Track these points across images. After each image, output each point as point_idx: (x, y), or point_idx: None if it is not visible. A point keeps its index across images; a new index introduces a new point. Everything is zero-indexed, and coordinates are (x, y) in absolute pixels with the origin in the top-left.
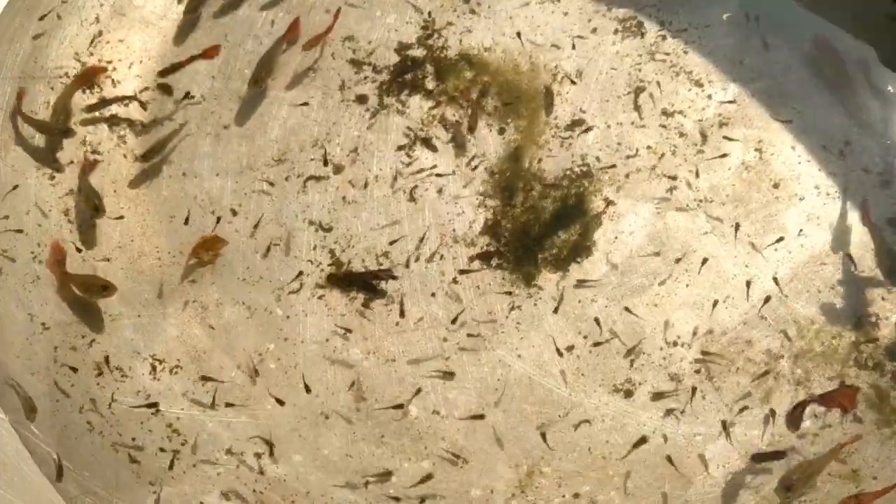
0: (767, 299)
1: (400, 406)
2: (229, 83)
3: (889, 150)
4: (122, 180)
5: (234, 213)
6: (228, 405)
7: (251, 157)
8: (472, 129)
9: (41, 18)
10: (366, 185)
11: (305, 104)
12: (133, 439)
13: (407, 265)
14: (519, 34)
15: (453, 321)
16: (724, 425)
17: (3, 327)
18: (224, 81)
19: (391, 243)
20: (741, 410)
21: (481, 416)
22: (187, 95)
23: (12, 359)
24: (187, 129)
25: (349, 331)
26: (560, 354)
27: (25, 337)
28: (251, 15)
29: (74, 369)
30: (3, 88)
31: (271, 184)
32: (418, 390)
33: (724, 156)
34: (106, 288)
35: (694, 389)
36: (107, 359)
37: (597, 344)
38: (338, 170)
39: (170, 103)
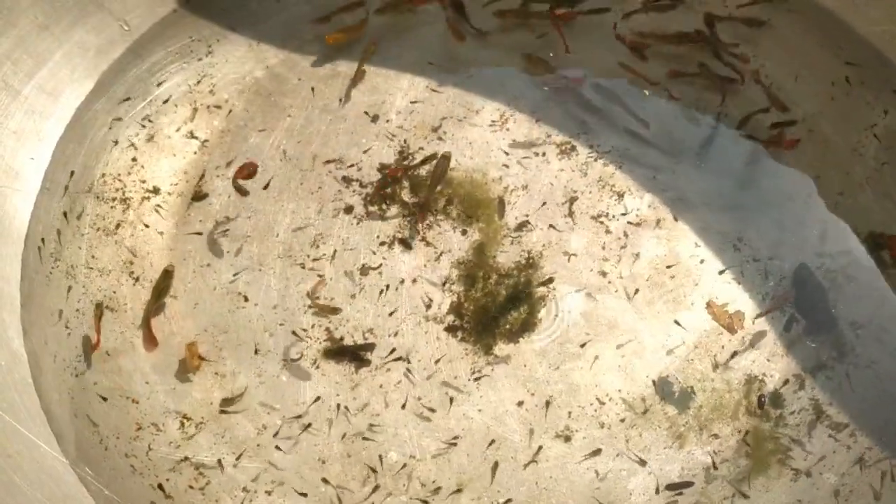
0: (678, 362)
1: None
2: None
3: (773, 243)
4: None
5: (246, 299)
6: (242, 454)
7: (261, 255)
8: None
9: (89, 146)
10: (356, 276)
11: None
12: (167, 479)
13: (389, 338)
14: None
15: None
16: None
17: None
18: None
19: (369, 333)
20: (659, 451)
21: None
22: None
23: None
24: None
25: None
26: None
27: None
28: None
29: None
30: (60, 202)
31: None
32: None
33: (640, 251)
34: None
35: (621, 435)
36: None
37: (546, 402)
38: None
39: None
